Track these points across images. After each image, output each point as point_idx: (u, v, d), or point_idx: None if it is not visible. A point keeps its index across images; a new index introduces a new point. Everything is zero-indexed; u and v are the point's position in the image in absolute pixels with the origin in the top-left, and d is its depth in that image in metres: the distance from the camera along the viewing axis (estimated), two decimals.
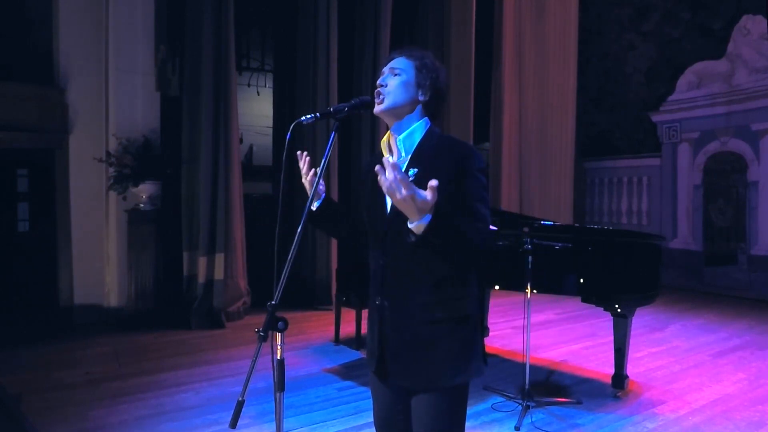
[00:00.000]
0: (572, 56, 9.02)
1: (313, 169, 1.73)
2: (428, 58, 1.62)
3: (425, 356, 1.53)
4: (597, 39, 9.43)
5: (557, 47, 8.95)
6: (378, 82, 1.61)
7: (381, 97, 1.58)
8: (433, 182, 1.27)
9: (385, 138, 1.65)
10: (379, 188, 1.60)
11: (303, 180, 1.73)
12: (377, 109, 1.59)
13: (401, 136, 1.60)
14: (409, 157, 1.57)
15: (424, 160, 1.54)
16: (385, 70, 1.62)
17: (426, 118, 1.62)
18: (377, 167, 1.29)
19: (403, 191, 1.26)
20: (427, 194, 1.27)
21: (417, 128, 1.59)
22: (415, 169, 1.54)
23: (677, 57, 8.31)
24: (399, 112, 1.58)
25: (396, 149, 1.60)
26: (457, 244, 1.39)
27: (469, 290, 1.57)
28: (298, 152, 1.76)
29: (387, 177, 1.27)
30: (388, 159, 1.27)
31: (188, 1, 5.73)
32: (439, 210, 1.31)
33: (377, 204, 1.61)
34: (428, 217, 1.30)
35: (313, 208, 1.73)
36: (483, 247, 1.44)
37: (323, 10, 6.52)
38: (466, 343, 1.55)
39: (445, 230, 1.34)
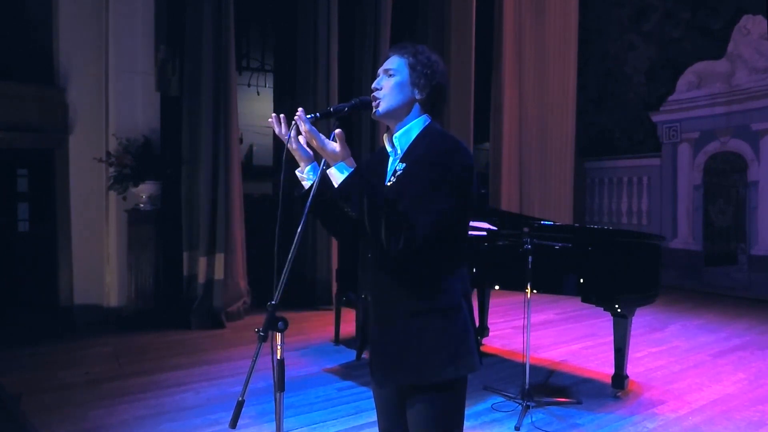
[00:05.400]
0: (572, 56, 9.01)
1: (294, 126, 1.48)
2: (422, 53, 1.58)
3: (407, 349, 1.50)
4: (597, 39, 9.43)
5: (557, 47, 8.94)
6: (372, 86, 1.59)
7: (377, 101, 1.56)
8: (338, 130, 1.41)
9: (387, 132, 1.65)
10: (376, 178, 1.59)
11: (289, 146, 1.52)
12: (374, 114, 1.58)
13: (398, 134, 1.59)
14: (403, 153, 1.57)
15: (413, 156, 1.53)
16: (380, 71, 1.60)
17: (425, 115, 1.59)
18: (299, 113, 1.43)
19: (303, 127, 1.42)
20: (334, 144, 1.42)
21: (414, 125, 1.58)
22: (404, 164, 1.53)
23: (677, 57, 8.31)
24: (396, 113, 1.57)
25: (394, 145, 1.61)
26: (368, 219, 1.40)
27: (452, 282, 1.52)
28: (271, 118, 1.53)
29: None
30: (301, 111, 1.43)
31: (188, 1, 5.73)
32: (362, 173, 1.42)
33: None
34: (346, 170, 1.42)
35: (305, 184, 1.60)
36: (394, 246, 1.38)
37: (323, 10, 6.52)
38: (451, 337, 1.49)
39: (360, 193, 1.40)
